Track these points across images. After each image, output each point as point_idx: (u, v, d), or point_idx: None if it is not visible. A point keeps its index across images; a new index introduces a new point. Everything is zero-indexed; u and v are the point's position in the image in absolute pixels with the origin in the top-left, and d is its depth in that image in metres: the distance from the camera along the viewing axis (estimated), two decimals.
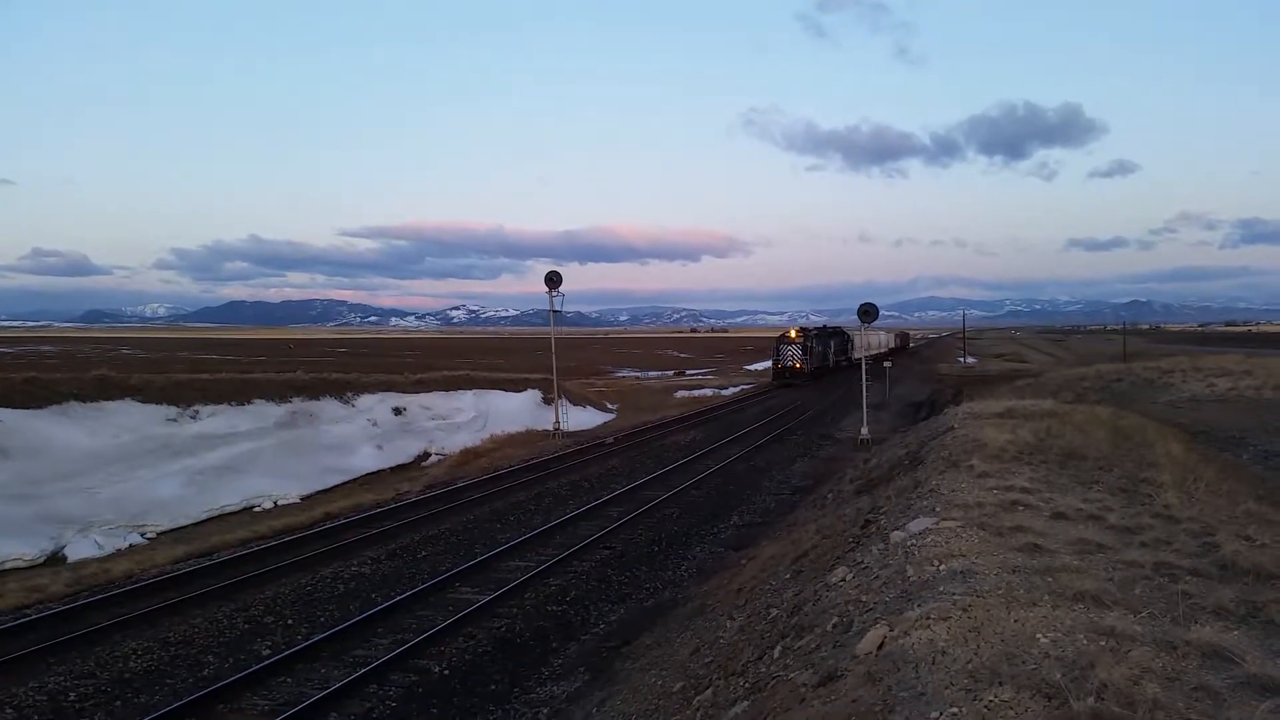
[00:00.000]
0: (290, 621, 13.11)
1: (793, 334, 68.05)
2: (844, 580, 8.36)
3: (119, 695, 10.54)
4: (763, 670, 7.25)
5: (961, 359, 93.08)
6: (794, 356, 65.78)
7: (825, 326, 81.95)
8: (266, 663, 11.24)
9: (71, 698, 10.43)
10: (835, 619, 7.21)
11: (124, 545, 21.45)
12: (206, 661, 11.59)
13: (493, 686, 11.02)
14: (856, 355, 78.37)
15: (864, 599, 7.32)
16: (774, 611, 9.28)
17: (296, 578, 15.26)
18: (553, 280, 35.23)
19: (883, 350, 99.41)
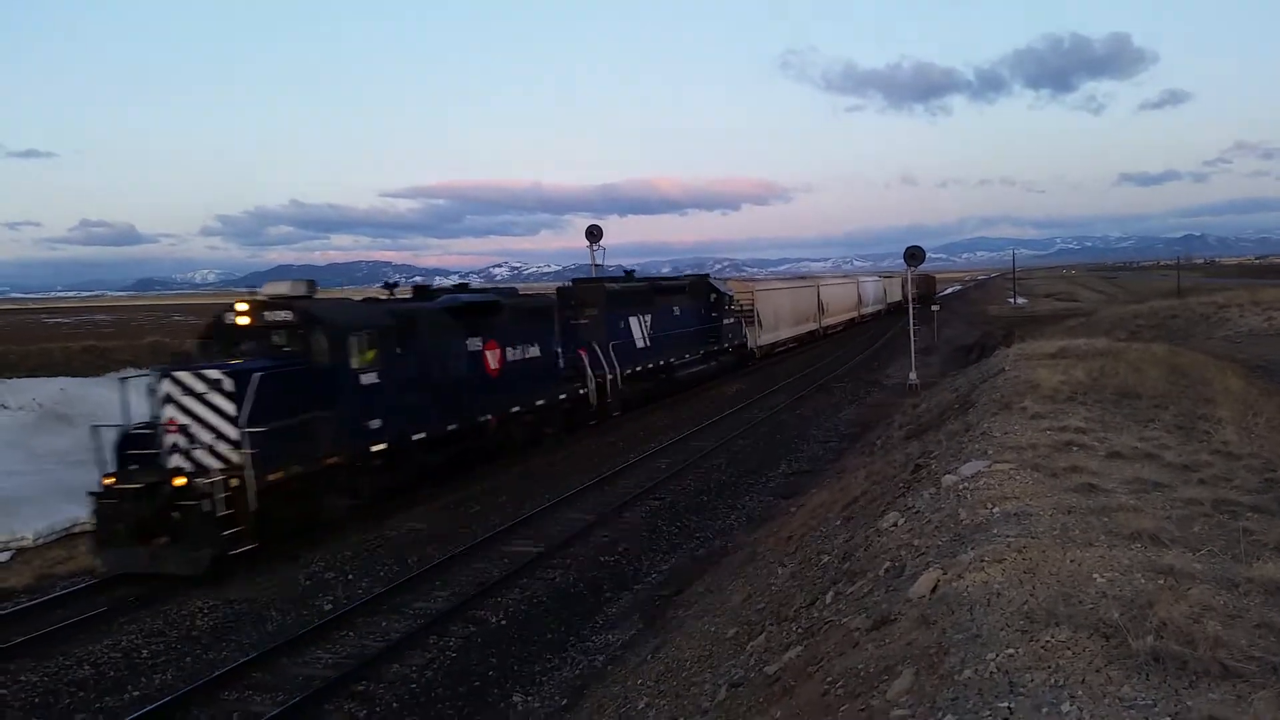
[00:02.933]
0: (350, 577, 13.39)
1: (242, 315, 15.35)
2: (895, 525, 8.34)
3: (188, 651, 10.90)
4: (815, 615, 7.29)
5: (1011, 300, 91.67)
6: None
7: (599, 280, 31.36)
8: (329, 617, 11.56)
9: (144, 654, 10.81)
10: (887, 564, 7.20)
11: None
12: (270, 617, 11.91)
13: (549, 635, 11.22)
14: (764, 339, 42.23)
15: (916, 543, 7.29)
16: (825, 558, 9.30)
17: (358, 534, 15.47)
18: (593, 234, 35.11)
19: (865, 313, 66.18)
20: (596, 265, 35.66)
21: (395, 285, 21.24)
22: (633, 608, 12.07)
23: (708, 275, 38.44)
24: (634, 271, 34.84)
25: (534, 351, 22.06)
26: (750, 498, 17.65)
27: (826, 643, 6.27)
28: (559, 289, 28.16)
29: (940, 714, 4.17)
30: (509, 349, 20.97)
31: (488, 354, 20.18)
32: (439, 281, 28.88)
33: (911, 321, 34.86)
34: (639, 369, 28.23)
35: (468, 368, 19.33)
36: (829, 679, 5.46)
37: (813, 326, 51.67)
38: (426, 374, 17.64)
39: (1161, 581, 5.16)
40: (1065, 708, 3.90)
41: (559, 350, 23.65)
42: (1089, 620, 4.65)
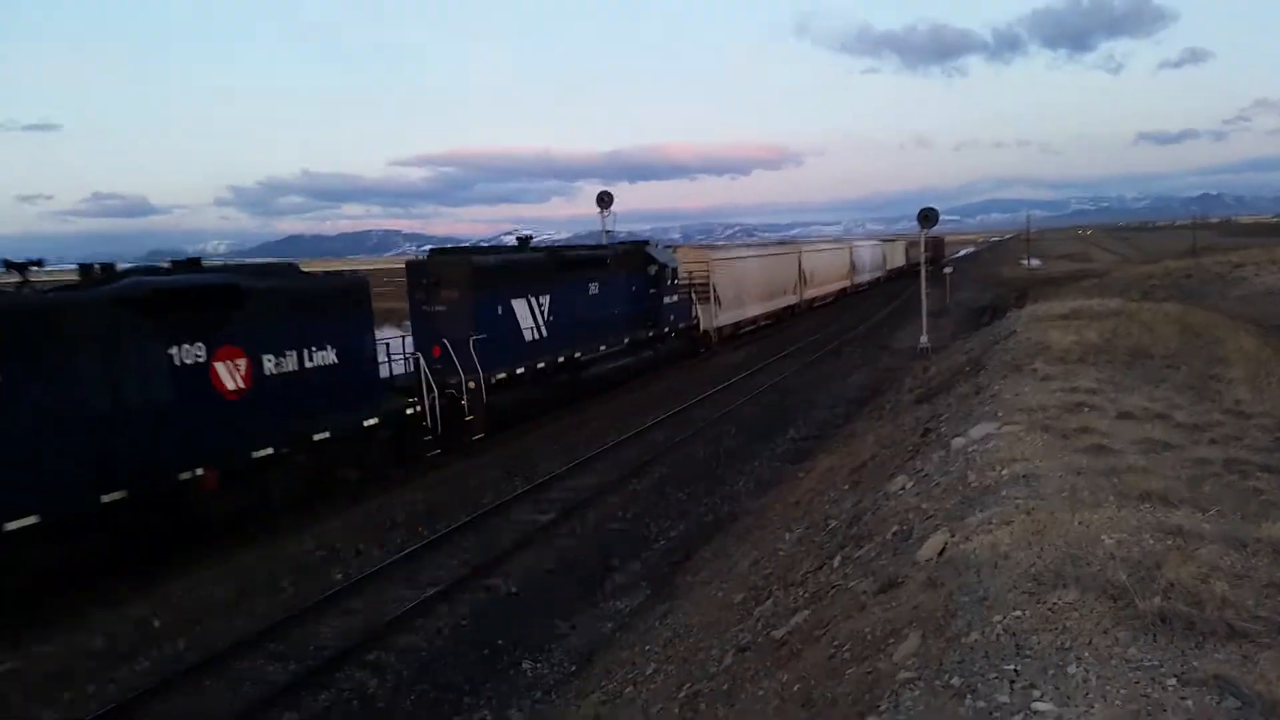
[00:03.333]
0: (361, 547, 13.45)
1: None
2: (903, 489, 8.31)
3: (199, 620, 10.97)
4: (822, 580, 7.28)
5: (1025, 261, 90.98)
6: None
7: (462, 251, 23.54)
8: (340, 587, 11.65)
9: (156, 625, 10.89)
10: (895, 527, 7.18)
11: None
12: (282, 588, 11.98)
13: (558, 602, 11.28)
14: (723, 320, 35.43)
15: (924, 506, 7.27)
16: (833, 522, 9.28)
17: (364, 504, 15.52)
18: (604, 200, 34.92)
19: (859, 281, 60.36)
20: (607, 232, 35.50)
21: (35, 264, 11.98)
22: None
23: (646, 242, 30.82)
24: (530, 238, 25.20)
25: (326, 358, 14.89)
26: (758, 462, 17.62)
27: (834, 607, 6.26)
28: (407, 264, 21.38)
29: (947, 676, 4.15)
30: (267, 358, 13.78)
31: (218, 368, 12.95)
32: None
33: (924, 284, 34.62)
34: (524, 369, 20.93)
35: (170, 393, 12.21)
36: (836, 642, 5.45)
37: (791, 300, 44.39)
38: (60, 414, 10.79)
39: (1170, 542, 5.11)
40: (1072, 669, 3.88)
41: (378, 353, 16.90)
42: (1097, 582, 4.62)
